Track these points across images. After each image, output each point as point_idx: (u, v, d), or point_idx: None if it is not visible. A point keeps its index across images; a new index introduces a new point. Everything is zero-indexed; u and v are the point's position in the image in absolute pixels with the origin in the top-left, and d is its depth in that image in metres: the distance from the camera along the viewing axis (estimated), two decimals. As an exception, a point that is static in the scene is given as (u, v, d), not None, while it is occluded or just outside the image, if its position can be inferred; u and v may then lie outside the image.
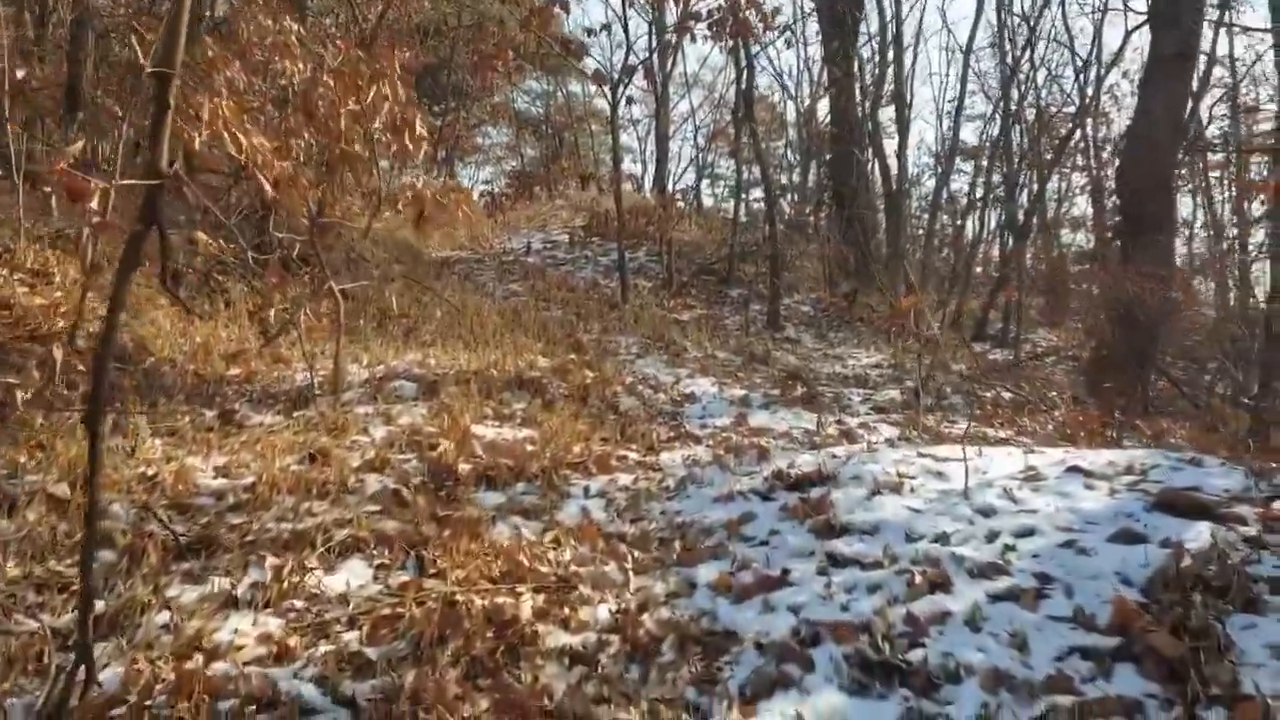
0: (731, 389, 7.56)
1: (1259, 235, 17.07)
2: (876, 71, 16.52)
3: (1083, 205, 21.98)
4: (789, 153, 22.88)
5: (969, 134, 22.48)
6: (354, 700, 2.79)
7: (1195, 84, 12.86)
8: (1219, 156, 17.49)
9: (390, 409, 5.63)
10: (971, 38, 25.16)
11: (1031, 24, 15.58)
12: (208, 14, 10.23)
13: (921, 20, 56.10)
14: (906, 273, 13.95)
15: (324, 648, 3.05)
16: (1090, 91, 16.43)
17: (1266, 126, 17.75)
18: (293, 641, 3.05)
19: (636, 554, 4.02)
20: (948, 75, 50.70)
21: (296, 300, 6.56)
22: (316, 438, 5.01)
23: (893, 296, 12.85)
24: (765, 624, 3.28)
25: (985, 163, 17.85)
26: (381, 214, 5.70)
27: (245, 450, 4.74)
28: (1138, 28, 12.79)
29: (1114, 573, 3.30)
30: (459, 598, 3.37)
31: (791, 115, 22.44)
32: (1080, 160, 20.13)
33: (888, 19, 16.54)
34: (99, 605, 3.14)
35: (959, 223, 19.74)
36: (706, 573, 3.76)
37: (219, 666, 2.88)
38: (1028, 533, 3.71)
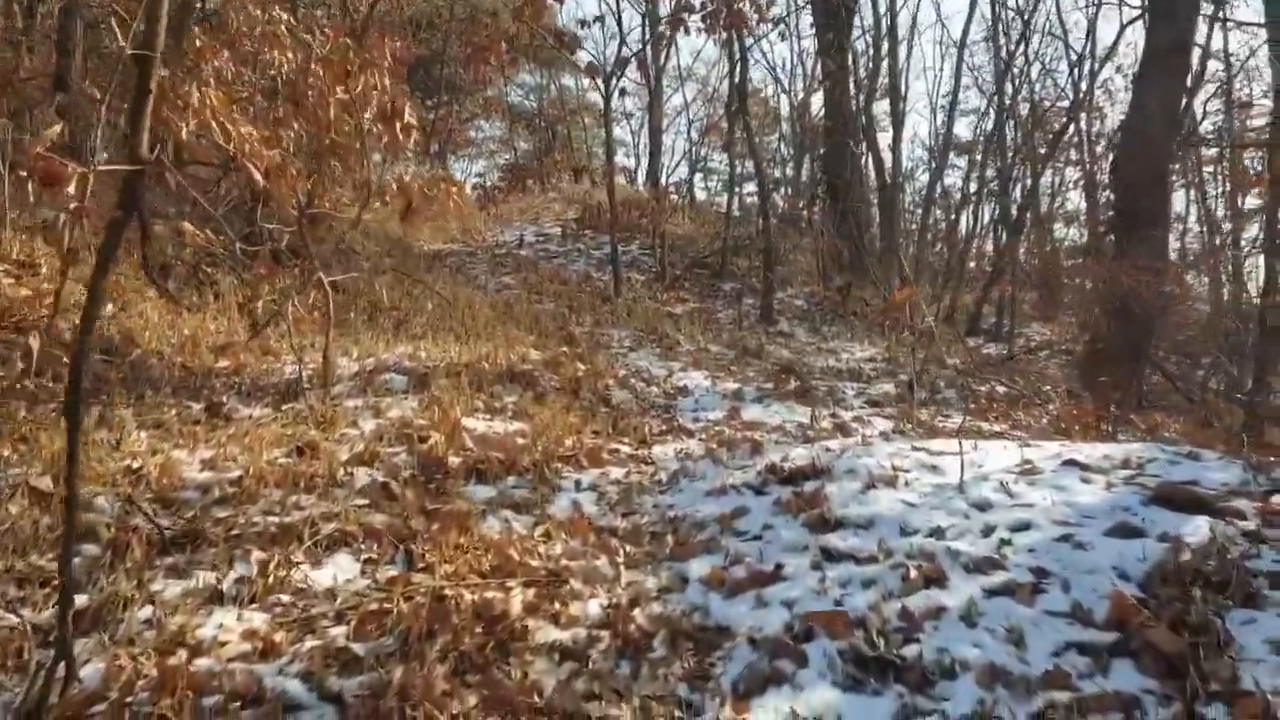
0: (725, 382, 7.52)
1: (1253, 230, 17.10)
2: (871, 65, 16.48)
3: (1076, 200, 22.00)
4: (782, 147, 22.79)
5: (963, 128, 22.53)
6: (340, 697, 2.74)
7: (1190, 79, 12.82)
8: (1213, 151, 17.47)
9: (380, 402, 5.57)
10: (965, 31, 25.24)
11: (1026, 18, 15.58)
12: (199, 5, 10.13)
13: (916, 15, 56.02)
14: (901, 264, 13.91)
15: (310, 643, 3.00)
16: (1084, 86, 16.42)
17: (1260, 122, 17.74)
18: (278, 637, 3.00)
19: (628, 548, 3.98)
20: (941, 70, 50.71)
21: (285, 292, 6.49)
22: (305, 431, 4.96)
23: (887, 290, 12.81)
24: (758, 619, 3.24)
25: (979, 157, 17.85)
26: (371, 205, 5.63)
27: (233, 443, 4.68)
28: (1133, 22, 12.81)
29: (1111, 567, 3.26)
30: (448, 592, 3.32)
31: (785, 109, 22.40)
32: (1074, 155, 20.11)
33: (882, 12, 16.52)
34: (81, 600, 3.09)
35: (953, 217, 19.75)
36: (699, 567, 3.72)
37: (202, 662, 2.83)
38: (1024, 527, 3.67)
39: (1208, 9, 13.20)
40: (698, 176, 24.74)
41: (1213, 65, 16.91)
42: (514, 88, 25.99)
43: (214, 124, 4.67)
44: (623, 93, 12.34)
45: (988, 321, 14.22)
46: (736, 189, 17.53)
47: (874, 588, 3.36)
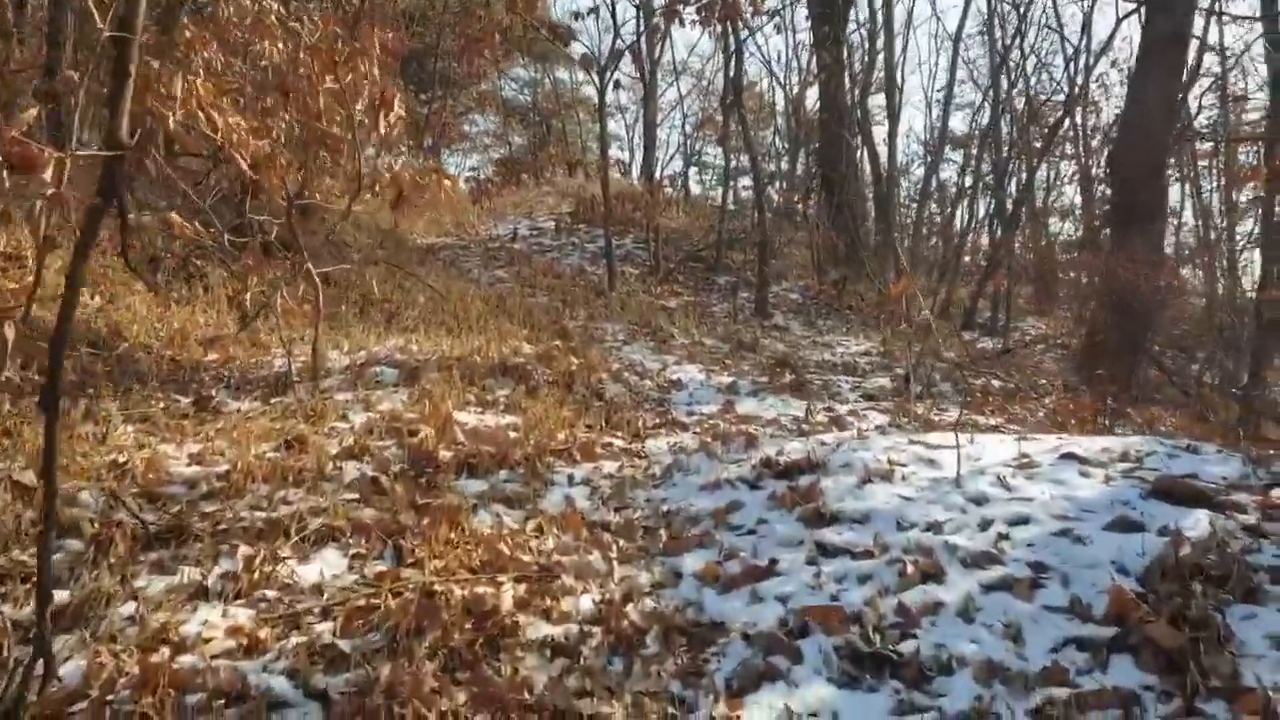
0: (719, 376, 7.47)
1: (1247, 224, 17.09)
2: (866, 59, 16.44)
3: (1071, 194, 21.98)
4: (777, 140, 22.77)
5: (958, 122, 22.46)
6: (326, 694, 2.68)
7: (1185, 73, 12.78)
8: (1208, 146, 17.46)
9: (370, 395, 5.51)
10: (961, 25, 25.14)
11: (1022, 11, 15.52)
12: (191, -2, 10.04)
13: (912, 8, 55.84)
14: (898, 256, 13.88)
15: (296, 640, 2.94)
16: (1080, 80, 16.38)
17: (1255, 116, 17.73)
18: (263, 633, 2.94)
19: (621, 543, 3.93)
20: (937, 64, 50.67)
21: (274, 284, 6.42)
22: (294, 424, 4.90)
23: (882, 284, 12.78)
24: (753, 615, 3.20)
25: (974, 151, 17.81)
26: (361, 197, 5.57)
27: (221, 437, 4.62)
28: (1129, 15, 12.77)
29: (1110, 562, 3.23)
30: (437, 588, 3.26)
31: (780, 103, 22.34)
32: (1069, 149, 20.14)
33: (877, 5, 16.46)
34: (63, 596, 3.03)
35: (948, 211, 19.71)
36: (692, 562, 3.67)
37: (186, 659, 2.77)
38: (1022, 521, 3.63)
39: (1204, 1, 13.17)
40: (693, 170, 24.72)
41: (1208, 59, 16.90)
42: (508, 82, 25.90)
43: (201, 113, 4.60)
44: (617, 85, 12.25)
45: (983, 316, 14.19)
46: (731, 183, 17.50)
47: (870, 583, 3.32)
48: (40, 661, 2.50)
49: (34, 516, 3.53)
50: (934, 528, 3.67)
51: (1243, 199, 17.30)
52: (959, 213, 19.01)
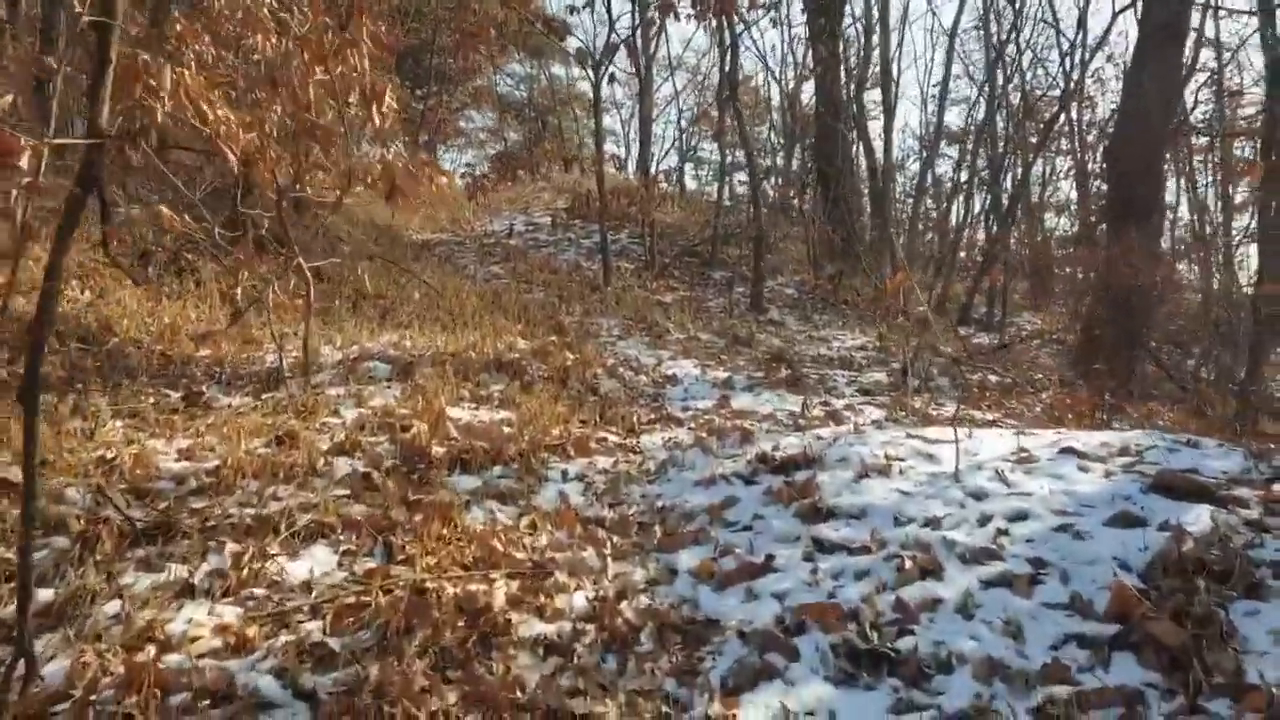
0: (714, 371, 7.43)
1: (1243, 219, 17.08)
2: (862, 54, 16.37)
3: (1067, 189, 21.96)
4: (773, 136, 22.69)
5: (954, 118, 22.42)
6: (314, 694, 2.63)
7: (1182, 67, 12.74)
8: (1203, 140, 17.43)
9: (363, 390, 5.46)
10: (957, 20, 25.17)
11: (1017, 6, 15.47)
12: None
13: (908, 3, 55.78)
14: (894, 251, 13.84)
15: (284, 638, 2.89)
16: (1075, 75, 16.35)
17: (1250, 110, 17.70)
18: (251, 632, 2.89)
19: (615, 539, 3.88)
20: (932, 59, 50.65)
21: (265, 278, 6.36)
22: (285, 420, 4.84)
23: (878, 279, 12.74)
24: (748, 612, 3.16)
25: (970, 146, 17.78)
26: (353, 190, 5.51)
27: (210, 433, 4.56)
28: (1125, 9, 12.68)
29: (1111, 557, 3.19)
30: (429, 585, 3.21)
31: (775, 98, 22.26)
32: (1065, 144, 20.10)
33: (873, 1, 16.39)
34: (47, 595, 2.98)
35: (944, 206, 19.67)
36: (688, 559, 3.63)
37: (171, 658, 2.72)
38: (1021, 516, 3.59)
39: (1201, -5, 13.13)
40: (688, 166, 24.64)
41: (1203, 54, 16.87)
42: (503, 78, 25.85)
43: (190, 106, 4.54)
44: (612, 79, 12.14)
45: (978, 311, 14.18)
46: (727, 178, 17.45)
47: (867, 579, 3.28)
48: (21, 661, 2.45)
49: (21, 513, 3.48)
50: (932, 523, 3.63)
51: (1239, 195, 17.28)
52: (954, 208, 19.04)
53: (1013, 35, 15.92)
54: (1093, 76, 18.30)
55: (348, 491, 4.03)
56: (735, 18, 12.11)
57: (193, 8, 8.88)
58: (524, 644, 2.95)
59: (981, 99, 16.90)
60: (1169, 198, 18.15)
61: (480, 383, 6.01)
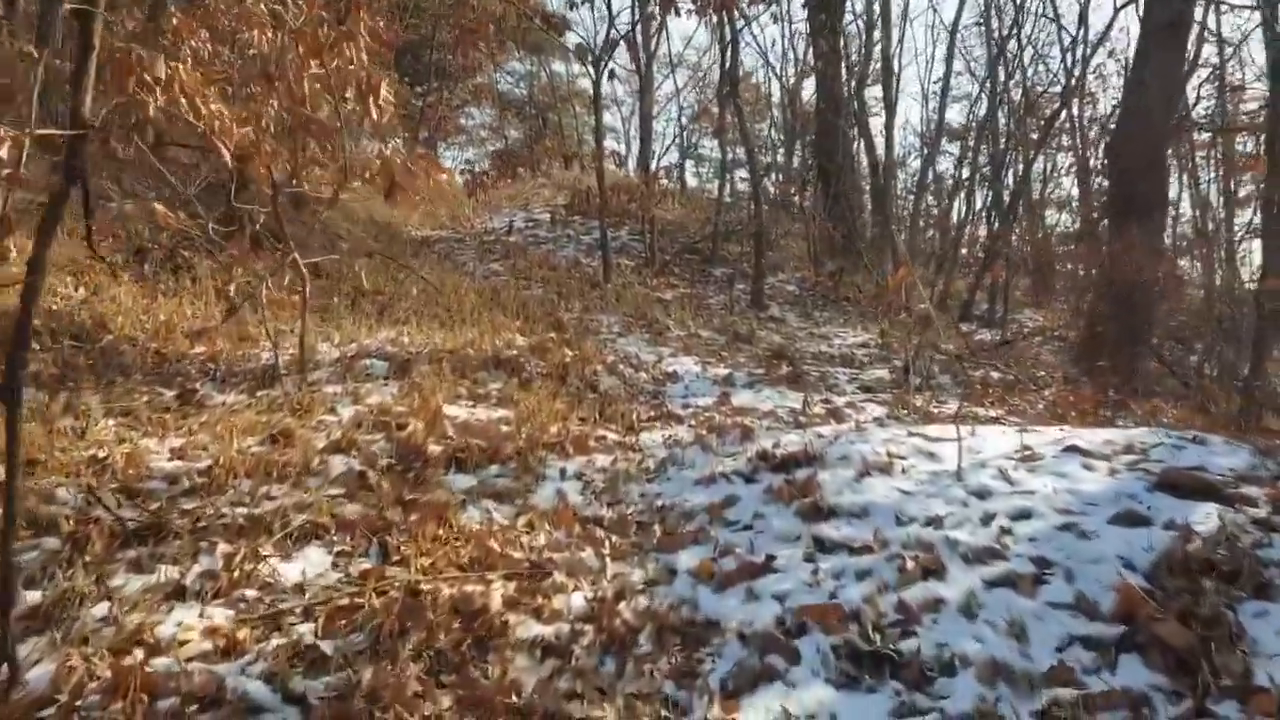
0: (715, 368, 7.38)
1: (1245, 215, 17.01)
2: (863, 50, 16.32)
3: (1069, 186, 21.88)
4: (773, 132, 22.64)
5: (955, 114, 22.36)
6: (305, 698, 2.58)
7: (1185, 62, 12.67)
8: (1205, 136, 17.36)
9: (359, 388, 5.40)
10: (958, 16, 25.08)
11: (1018, 2, 15.42)
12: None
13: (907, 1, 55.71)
14: (895, 248, 13.78)
15: (275, 641, 2.84)
16: (1077, 71, 16.29)
17: (1252, 106, 17.63)
18: (242, 634, 2.84)
19: (614, 539, 3.83)
20: (933, 55, 50.60)
21: (260, 274, 6.31)
22: (280, 418, 4.79)
23: (880, 275, 12.68)
24: (749, 613, 3.11)
25: (971, 143, 17.72)
26: (350, 185, 5.46)
27: (204, 431, 4.51)
28: (1127, 4, 12.63)
29: (1117, 557, 3.13)
30: (424, 586, 3.17)
31: (776, 95, 22.20)
32: (1066, 140, 20.01)
33: (874, -4, 16.34)
34: (34, 597, 2.94)
35: (945, 203, 19.61)
36: (687, 559, 3.58)
37: (160, 662, 2.67)
38: (1025, 515, 3.54)
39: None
40: (689, 163, 24.59)
41: (1205, 49, 16.79)
42: (504, 75, 25.77)
43: (184, 100, 4.48)
44: (612, 75, 12.09)
45: (980, 307, 14.12)
46: (727, 174, 17.39)
47: (869, 579, 3.23)
48: (4, 666, 2.40)
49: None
50: (934, 522, 3.57)
51: (1241, 190, 17.21)
52: (956, 204, 18.97)
53: (1014, 31, 15.88)
54: (1094, 72, 18.20)
55: (342, 491, 3.98)
56: (736, 13, 12.06)
57: (190, 3, 8.84)
58: (521, 646, 2.91)
59: (983, 95, 16.84)
60: (1171, 194, 18.10)
61: (478, 380, 5.95)
